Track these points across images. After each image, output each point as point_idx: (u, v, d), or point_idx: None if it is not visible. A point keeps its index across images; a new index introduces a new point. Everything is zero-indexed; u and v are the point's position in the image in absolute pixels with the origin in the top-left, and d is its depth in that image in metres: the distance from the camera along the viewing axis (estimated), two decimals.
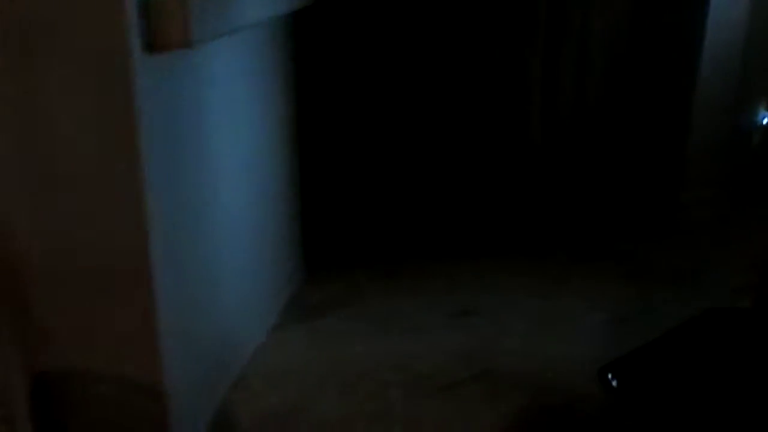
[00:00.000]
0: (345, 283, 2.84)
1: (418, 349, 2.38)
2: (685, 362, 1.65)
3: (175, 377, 1.75)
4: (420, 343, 2.43)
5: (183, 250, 1.82)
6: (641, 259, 3.03)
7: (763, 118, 3.46)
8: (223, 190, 2.07)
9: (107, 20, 1.47)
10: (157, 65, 1.61)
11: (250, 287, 2.35)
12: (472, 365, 2.30)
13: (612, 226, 3.23)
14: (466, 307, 2.66)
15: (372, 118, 3.13)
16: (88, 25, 1.47)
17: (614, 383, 1.65)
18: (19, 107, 1.52)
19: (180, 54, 1.69)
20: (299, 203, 2.81)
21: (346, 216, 3.13)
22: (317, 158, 2.99)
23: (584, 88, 3.15)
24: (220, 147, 2.03)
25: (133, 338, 1.67)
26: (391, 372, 2.25)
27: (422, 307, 2.67)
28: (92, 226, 1.60)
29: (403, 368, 2.27)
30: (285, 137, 2.62)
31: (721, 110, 3.22)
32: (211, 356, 2.05)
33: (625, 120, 3.21)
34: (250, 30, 2.18)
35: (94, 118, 1.53)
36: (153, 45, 1.58)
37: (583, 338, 2.46)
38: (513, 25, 3.05)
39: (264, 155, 2.43)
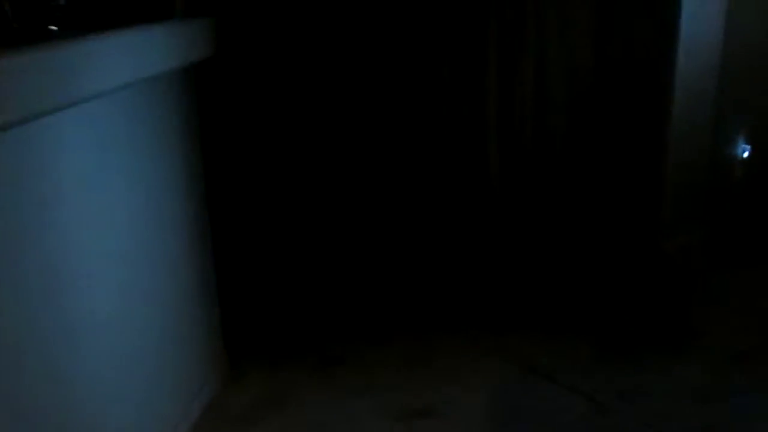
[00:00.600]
0: (275, 380, 2.39)
1: None
2: None
3: None
4: None
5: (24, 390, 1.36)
6: (621, 327, 2.61)
7: (744, 151, 3.11)
8: (86, 296, 1.61)
9: None
10: None
11: (144, 409, 1.88)
12: None
13: (584, 286, 2.80)
14: (418, 405, 2.22)
15: (297, 174, 2.69)
16: None
17: None
18: None
19: None
20: (214, 287, 2.35)
21: (271, 295, 2.69)
22: (234, 228, 2.55)
23: (545, 126, 2.75)
24: (81, 237, 1.59)
25: None
26: None
27: (365, 407, 2.22)
28: None
29: None
30: (189, 209, 2.17)
31: (699, 145, 2.84)
32: None
33: (593, 162, 2.82)
34: (127, 89, 1.74)
35: None
36: None
37: None
38: (461, 46, 2.62)
39: (159, 236, 1.98)
